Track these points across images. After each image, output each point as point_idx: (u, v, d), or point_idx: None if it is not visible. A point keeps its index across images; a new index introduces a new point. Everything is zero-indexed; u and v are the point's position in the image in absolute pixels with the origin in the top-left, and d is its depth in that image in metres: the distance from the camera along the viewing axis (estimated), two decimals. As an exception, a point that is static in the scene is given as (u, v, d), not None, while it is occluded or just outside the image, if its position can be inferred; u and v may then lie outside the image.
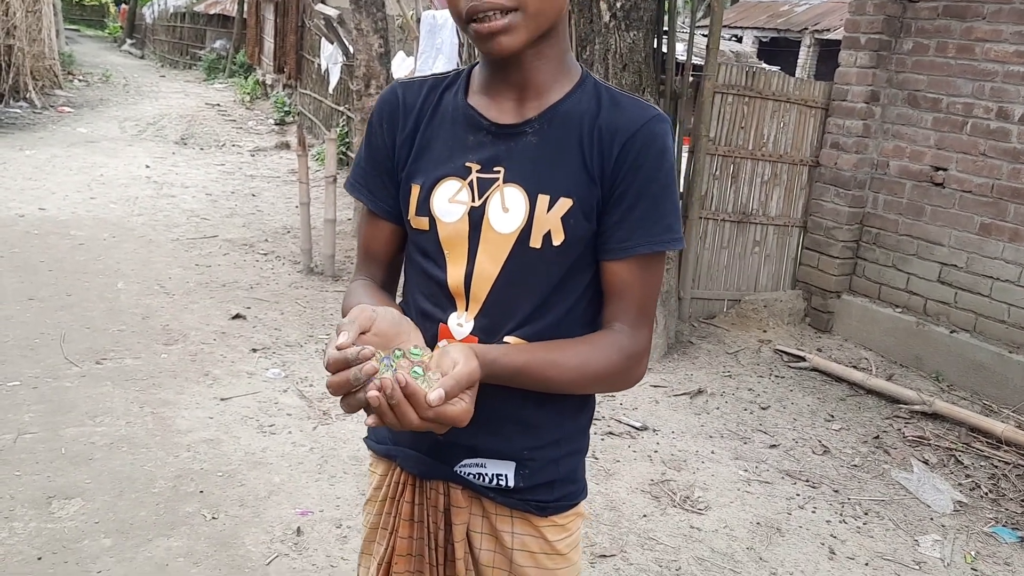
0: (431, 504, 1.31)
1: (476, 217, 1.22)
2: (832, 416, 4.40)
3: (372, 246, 1.37)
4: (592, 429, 4.02)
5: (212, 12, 22.60)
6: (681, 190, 5.53)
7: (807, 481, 3.69)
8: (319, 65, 10.71)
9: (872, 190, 5.48)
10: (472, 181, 1.23)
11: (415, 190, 1.27)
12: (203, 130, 12.05)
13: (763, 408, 4.43)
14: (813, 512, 3.44)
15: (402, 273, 1.38)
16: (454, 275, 1.24)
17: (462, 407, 1.06)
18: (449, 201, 1.24)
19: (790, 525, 3.32)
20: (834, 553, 3.16)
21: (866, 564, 3.11)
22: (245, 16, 18.48)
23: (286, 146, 11.17)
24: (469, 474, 1.28)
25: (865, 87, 5.35)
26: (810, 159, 5.72)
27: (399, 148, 1.30)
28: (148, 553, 2.72)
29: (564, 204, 1.20)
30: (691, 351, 5.11)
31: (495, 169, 1.22)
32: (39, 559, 2.62)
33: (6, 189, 7.36)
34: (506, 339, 1.23)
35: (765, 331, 5.54)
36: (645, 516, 3.27)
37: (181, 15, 24.44)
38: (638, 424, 4.04)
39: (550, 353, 1.19)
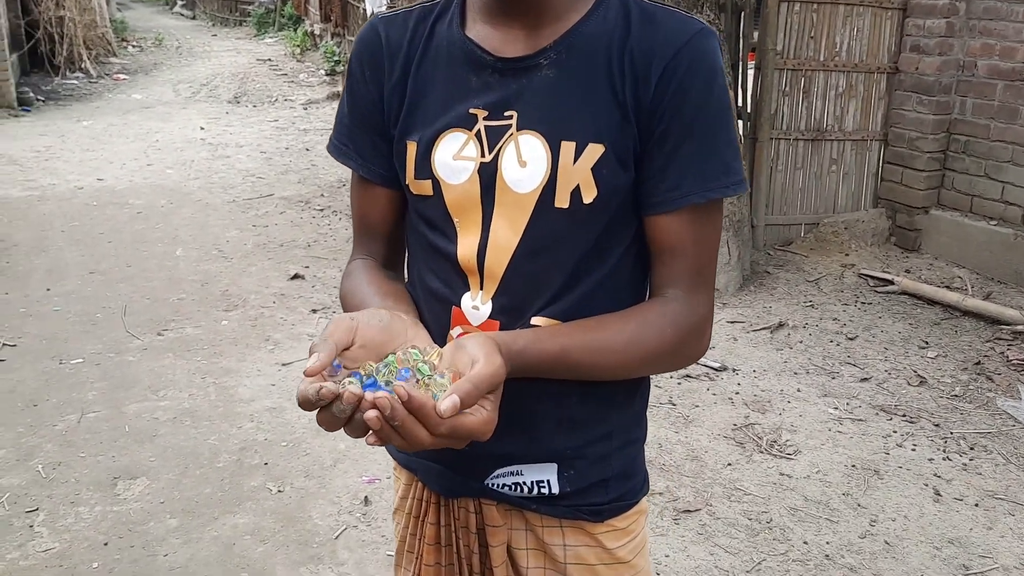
0: (460, 525, 1.11)
1: (488, 175, 1.00)
2: (927, 343, 4.10)
3: (368, 218, 1.15)
4: (668, 373, 3.85)
5: (257, -35, 22.40)
6: (749, 109, 5.18)
7: (904, 416, 3.43)
8: (364, 11, 10.45)
9: (959, 94, 5.04)
10: (479, 131, 1.00)
11: (411, 148, 1.04)
12: (255, 87, 11.96)
13: (850, 339, 4.14)
14: (913, 450, 3.19)
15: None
16: (465, 248, 1.02)
17: (483, 416, 0.85)
18: (454, 158, 1.01)
19: (888, 466, 3.08)
20: (939, 494, 2.92)
21: (976, 505, 2.86)
22: (289, -34, 18.23)
23: (337, 96, 11.01)
24: (504, 486, 1.08)
25: (948, -19, 4.88)
26: (888, 66, 5.29)
27: (388, 99, 1.07)
28: (214, 532, 2.65)
29: (594, 151, 0.97)
30: (768, 282, 4.83)
31: (506, 114, 0.99)
32: (105, 544, 2.57)
33: (65, 162, 7.38)
34: (534, 321, 1.01)
35: (847, 255, 5.21)
36: (730, 465, 3.07)
37: (227, -29, 24.30)
38: (716, 364, 3.82)
39: (590, 334, 0.98)
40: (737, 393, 3.59)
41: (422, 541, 1.13)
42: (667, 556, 2.57)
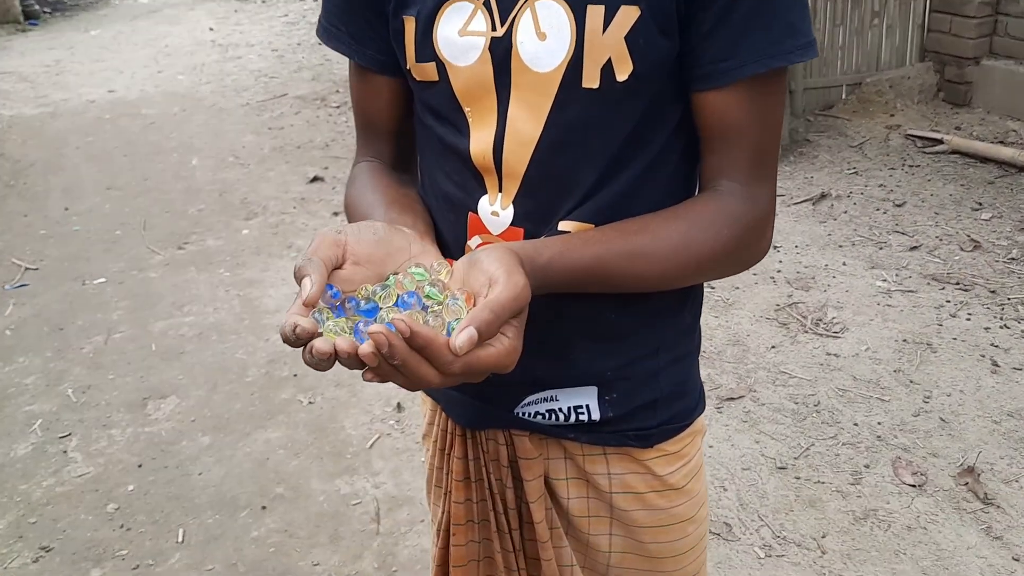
0: (491, 459, 0.98)
1: (501, 52, 0.82)
2: (980, 204, 3.86)
3: (370, 112, 0.98)
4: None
5: None
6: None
7: (957, 284, 3.25)
8: None
9: (1014, -72, 4.61)
10: None
11: (409, 25, 0.87)
12: (264, -19, 11.53)
13: (898, 205, 3.92)
14: (968, 320, 3.02)
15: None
16: (479, 142, 0.85)
17: (505, 345, 0.71)
18: (459, 34, 0.83)
19: (942, 338, 2.93)
20: (997, 365, 2.77)
21: (1036, 374, 2.72)
22: None
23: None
24: (536, 414, 0.94)
25: None
26: (934, -98, 4.84)
27: None
28: (247, 448, 2.60)
29: (628, 15, 0.78)
30: (809, 150, 4.57)
31: None
32: (139, 466, 2.54)
33: (75, 75, 7.20)
34: (562, 226, 0.85)
35: (892, 115, 4.90)
36: (774, 347, 2.94)
37: None
38: (756, 242, 3.64)
39: (631, 239, 0.82)
40: (779, 271, 3.43)
41: (449, 476, 1.01)
42: (711, 447, 2.47)
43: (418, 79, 0.89)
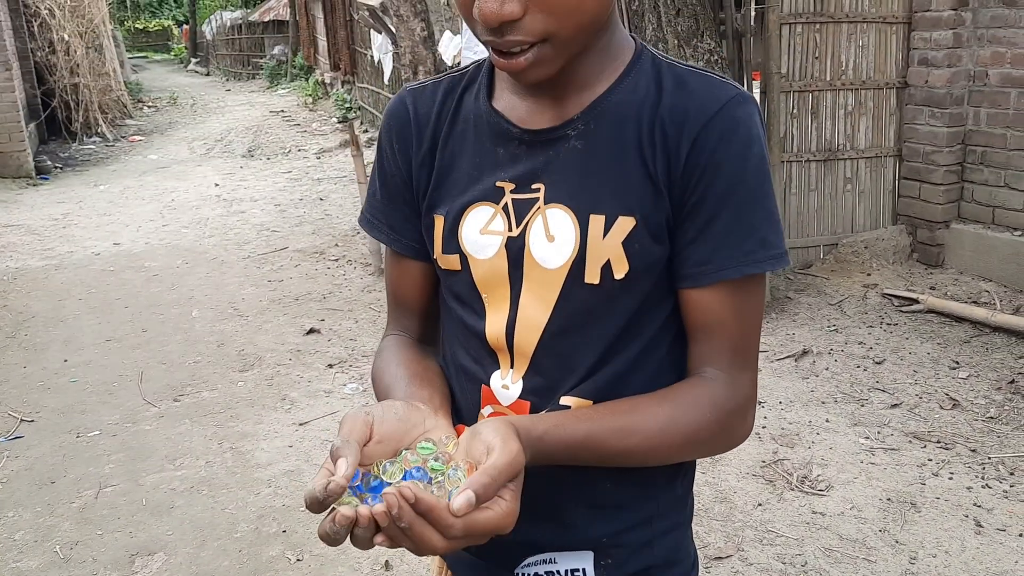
0: None
1: (515, 250, 0.96)
2: (957, 363, 3.98)
3: (401, 292, 1.11)
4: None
5: (267, 19, 22.80)
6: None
7: (938, 442, 3.32)
8: (372, 57, 10.56)
9: (972, 105, 4.96)
10: (507, 205, 0.96)
11: (439, 222, 1.01)
12: (269, 139, 12.08)
13: (878, 362, 4.04)
14: (950, 479, 3.07)
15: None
16: (494, 325, 0.98)
17: (503, 509, 0.79)
18: (481, 232, 0.97)
19: (925, 497, 2.97)
20: (981, 525, 2.80)
21: (1020, 535, 2.74)
22: (298, 18, 18.52)
23: (348, 144, 11.09)
24: (535, 575, 1.01)
25: (951, -8, 4.82)
26: (897, 81, 5.21)
27: (416, 172, 1.04)
28: (233, 607, 2.58)
29: (625, 224, 0.92)
30: (789, 307, 4.73)
31: (533, 187, 0.95)
32: (123, 627, 2.52)
33: (82, 228, 7.45)
34: (563, 401, 0.96)
35: (869, 274, 5.10)
36: (760, 505, 2.97)
37: (238, 27, 24.75)
38: (741, 398, 3.72)
39: (620, 418, 0.92)
40: (764, 427, 3.50)
41: None
42: (699, 609, 2.47)
43: (443, 268, 1.02)
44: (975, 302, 4.54)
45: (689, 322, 0.97)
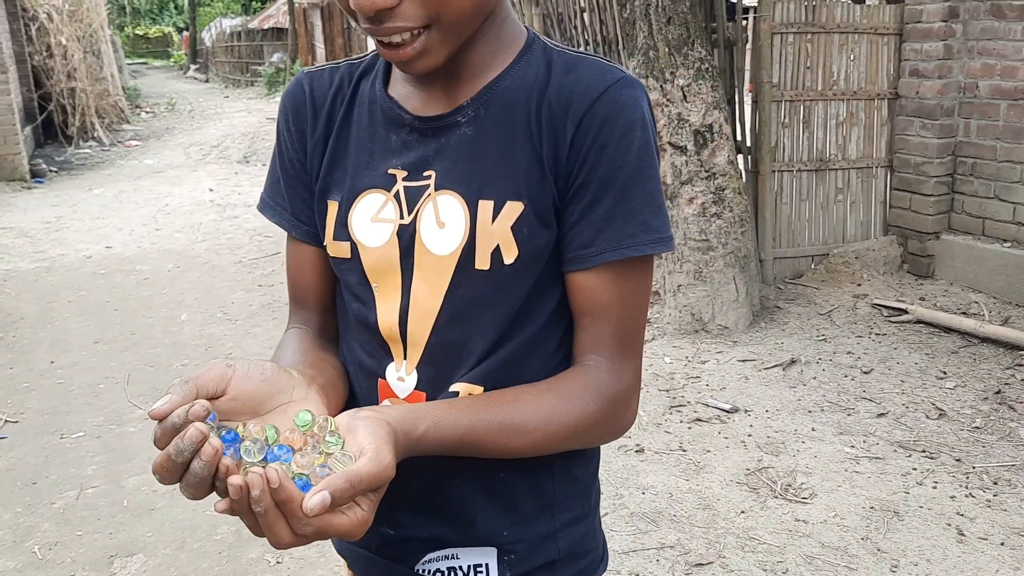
0: None
1: (406, 238, 0.95)
2: (944, 373, 3.97)
3: (300, 281, 1.08)
4: (678, 417, 3.75)
5: (266, 27, 22.88)
6: (748, 143, 5.13)
7: (923, 452, 3.31)
8: (367, 64, 10.60)
9: (962, 116, 4.97)
10: (398, 192, 0.95)
11: (332, 208, 1.00)
12: (265, 146, 12.09)
13: (865, 372, 4.03)
14: (934, 488, 3.06)
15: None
16: (386, 315, 0.97)
17: (357, 517, 0.76)
18: (372, 220, 0.96)
19: (909, 506, 2.96)
20: (963, 534, 2.79)
21: (1002, 544, 2.73)
22: (296, 26, 18.57)
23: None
24: (437, 571, 0.99)
25: (941, 4, 4.84)
26: (888, 92, 5.23)
27: (311, 155, 1.02)
28: (210, 610, 2.57)
29: (513, 209, 0.92)
30: (779, 317, 4.73)
31: (425, 174, 0.95)
32: (99, 628, 2.50)
33: (75, 231, 7.44)
34: (454, 387, 0.95)
35: (859, 285, 5.10)
36: (743, 512, 2.96)
37: (237, 34, 24.84)
38: (727, 406, 3.72)
39: (502, 411, 0.90)
40: (750, 435, 3.49)
41: None
42: (678, 615, 2.46)
43: (333, 255, 1.00)
44: (964, 313, 4.54)
45: (574, 306, 0.96)
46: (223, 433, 0.76)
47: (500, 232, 0.92)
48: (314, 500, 0.72)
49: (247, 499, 0.71)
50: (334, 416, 0.83)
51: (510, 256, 0.92)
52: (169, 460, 0.72)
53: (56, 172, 10.34)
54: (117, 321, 5.15)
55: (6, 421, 3.84)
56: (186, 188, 9.34)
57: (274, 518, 0.72)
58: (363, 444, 0.78)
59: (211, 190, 9.15)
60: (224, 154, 11.60)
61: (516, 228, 0.92)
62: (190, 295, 5.62)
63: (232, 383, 0.81)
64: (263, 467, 0.73)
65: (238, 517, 0.74)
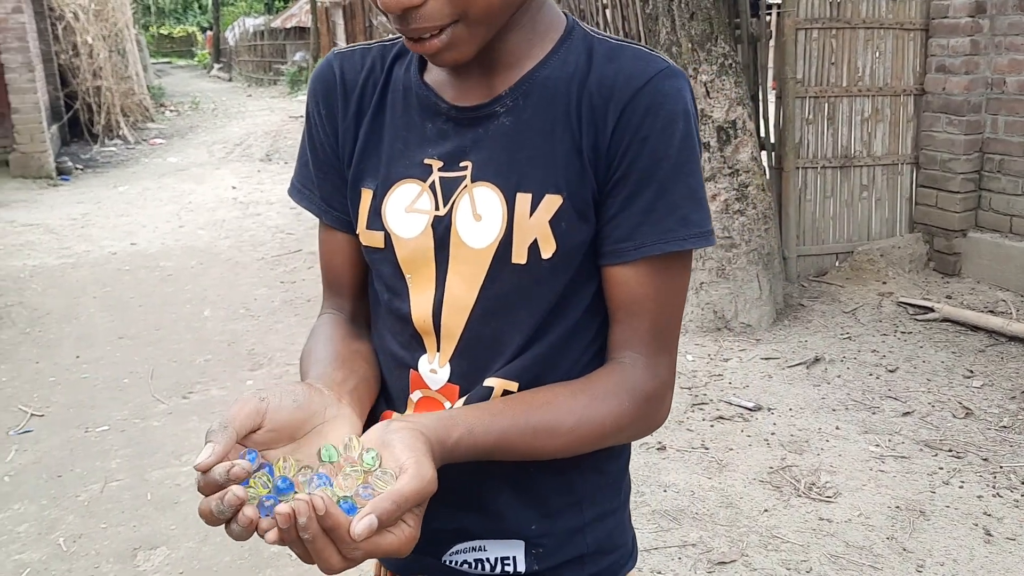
0: None
1: (442, 229, 0.93)
2: (971, 372, 3.92)
3: (333, 267, 1.06)
4: (700, 415, 3.73)
5: (289, 26, 23.01)
6: (772, 139, 5.09)
7: (950, 451, 3.27)
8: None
9: (989, 112, 4.91)
10: (434, 183, 0.93)
11: (366, 196, 0.97)
12: (287, 144, 12.15)
13: (891, 371, 3.99)
14: (961, 487, 3.02)
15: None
16: (419, 307, 0.95)
17: (405, 535, 0.75)
18: (407, 210, 0.94)
19: (935, 506, 2.92)
20: (990, 535, 2.75)
21: (1031, 545, 2.69)
22: (319, 25, 18.66)
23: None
24: (464, 563, 0.98)
25: (969, -2, 4.78)
26: (914, 88, 5.17)
27: (342, 139, 1.00)
28: (232, 602, 2.58)
29: (552, 202, 0.90)
30: (803, 315, 4.69)
31: (461, 165, 0.92)
32: (123, 619, 2.52)
33: (100, 228, 7.52)
34: (488, 382, 0.93)
35: (884, 283, 5.05)
36: (766, 511, 2.94)
37: (260, 33, 25.00)
38: (750, 404, 3.69)
39: (536, 414, 0.89)
40: (773, 434, 3.46)
41: None
42: (700, 613, 2.44)
43: (365, 244, 0.98)
44: (992, 311, 4.48)
45: (610, 301, 0.94)
46: (277, 482, 0.75)
47: (538, 226, 0.90)
48: (361, 525, 0.70)
49: (295, 528, 0.70)
50: (363, 421, 0.84)
51: (548, 250, 0.90)
52: (211, 514, 0.72)
53: (82, 170, 10.45)
54: (141, 316, 5.20)
55: (32, 415, 3.88)
56: (209, 186, 9.40)
57: (323, 544, 0.71)
58: (401, 459, 0.77)
59: (234, 188, 9.21)
60: (247, 152, 11.67)
61: (554, 222, 0.90)
62: (213, 291, 5.66)
63: (267, 416, 0.80)
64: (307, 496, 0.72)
65: (287, 547, 0.73)
